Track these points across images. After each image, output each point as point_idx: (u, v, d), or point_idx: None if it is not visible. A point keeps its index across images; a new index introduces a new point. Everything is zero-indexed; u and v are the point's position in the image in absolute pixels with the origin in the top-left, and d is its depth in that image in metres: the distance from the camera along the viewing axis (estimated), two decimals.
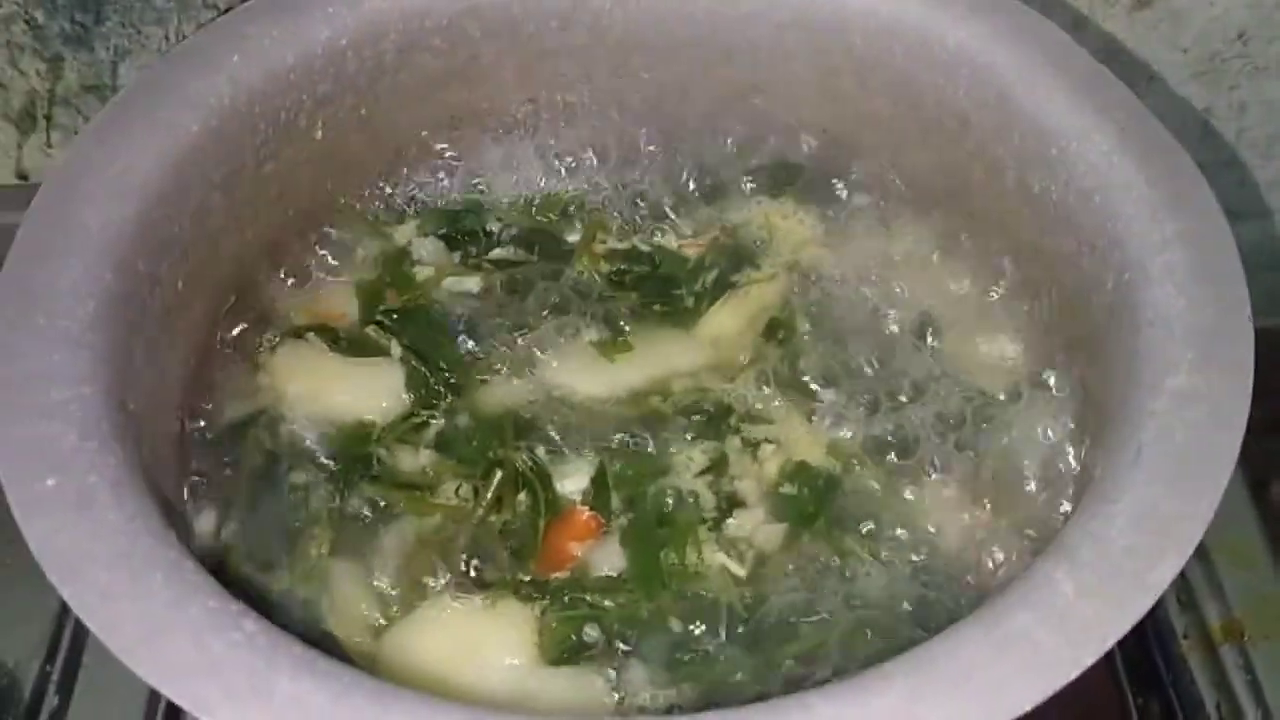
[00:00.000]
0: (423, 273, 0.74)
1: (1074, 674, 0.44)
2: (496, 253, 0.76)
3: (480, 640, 0.60)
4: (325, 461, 0.66)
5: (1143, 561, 0.48)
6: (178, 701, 0.45)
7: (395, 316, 0.72)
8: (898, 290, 0.72)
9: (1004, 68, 0.67)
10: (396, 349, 0.70)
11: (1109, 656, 0.45)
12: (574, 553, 0.63)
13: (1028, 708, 0.43)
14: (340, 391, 0.69)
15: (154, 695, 0.74)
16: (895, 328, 0.71)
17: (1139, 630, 0.47)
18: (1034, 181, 0.66)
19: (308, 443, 0.67)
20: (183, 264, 0.64)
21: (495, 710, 0.45)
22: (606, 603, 0.61)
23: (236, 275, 0.70)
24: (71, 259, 0.58)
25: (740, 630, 0.60)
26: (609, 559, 0.63)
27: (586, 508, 0.65)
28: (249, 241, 0.70)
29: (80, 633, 0.76)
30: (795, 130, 0.77)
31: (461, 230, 0.76)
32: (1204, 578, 0.75)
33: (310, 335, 0.71)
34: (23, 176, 1.04)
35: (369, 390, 0.68)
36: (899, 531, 0.63)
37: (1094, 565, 0.48)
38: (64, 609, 0.76)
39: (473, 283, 0.74)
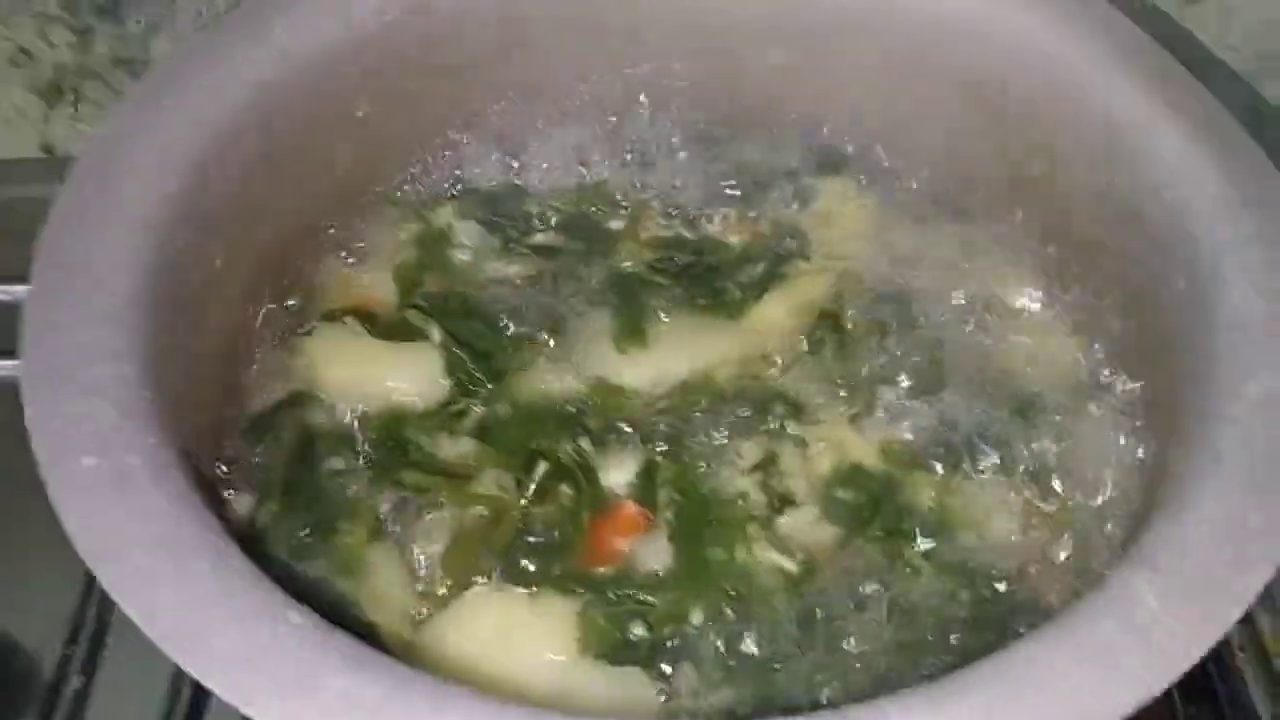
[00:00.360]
0: (462, 256, 0.72)
1: (1159, 688, 0.43)
2: (538, 238, 0.74)
3: (521, 633, 0.58)
4: (363, 447, 0.64)
5: (1228, 571, 0.46)
6: (221, 695, 0.43)
7: (434, 301, 0.70)
8: (953, 285, 0.70)
9: (1071, 58, 0.66)
10: (436, 334, 0.68)
11: None
12: (620, 547, 0.61)
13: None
14: (378, 376, 0.67)
15: (177, 678, 0.72)
16: (950, 323, 0.69)
17: None
18: (1100, 175, 0.64)
19: (344, 427, 0.65)
20: (221, 240, 0.63)
21: (554, 711, 0.43)
22: (653, 600, 0.59)
23: (275, 254, 0.68)
24: (112, 231, 0.56)
25: (791, 631, 0.58)
26: (656, 555, 0.61)
27: (633, 501, 0.63)
28: (288, 220, 0.68)
29: (104, 614, 0.75)
30: (849, 117, 0.75)
31: (502, 213, 0.74)
32: None
33: (348, 319, 0.69)
34: (48, 149, 1.02)
35: (407, 375, 0.67)
36: (954, 535, 0.61)
37: (1177, 574, 0.46)
38: (87, 590, 0.75)
39: (514, 269, 0.72)
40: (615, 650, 0.58)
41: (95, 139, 0.60)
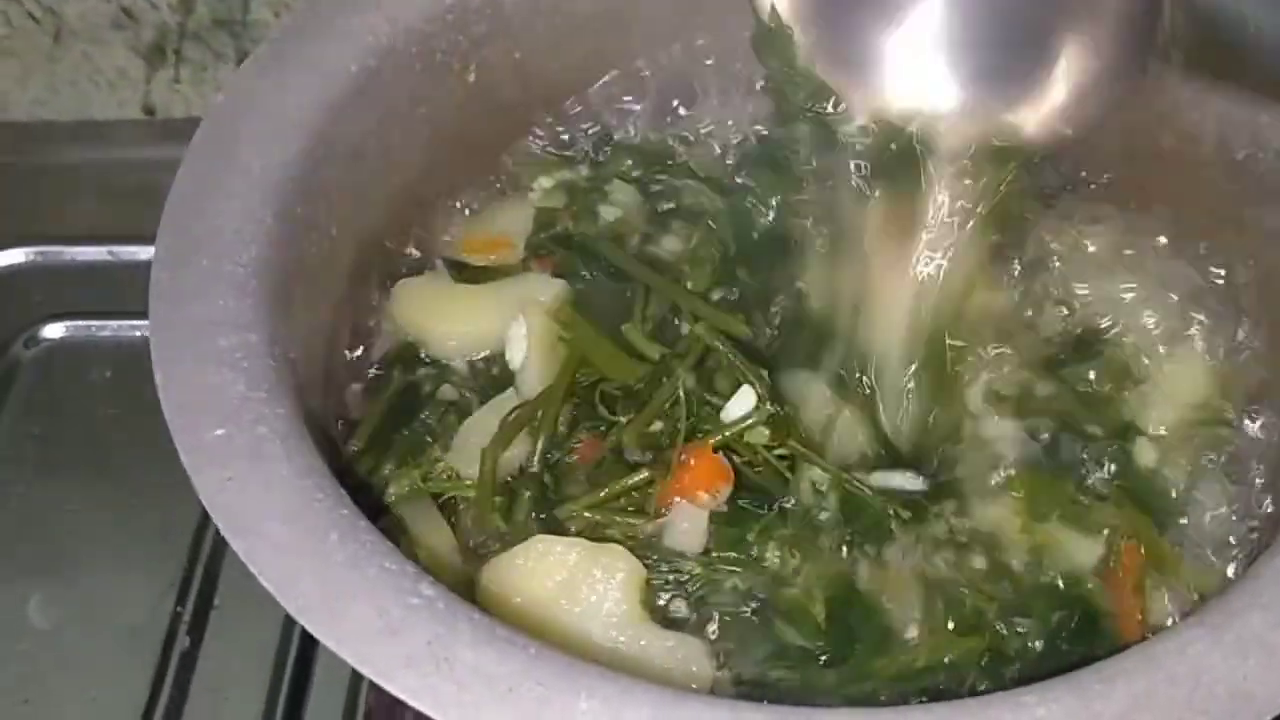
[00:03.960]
0: (610, 213, 0.70)
1: None
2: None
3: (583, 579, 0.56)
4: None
5: None
6: (358, 668, 0.43)
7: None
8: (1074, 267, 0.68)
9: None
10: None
11: None
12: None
13: (1266, 717, 0.40)
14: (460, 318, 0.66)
15: (284, 639, 0.73)
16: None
17: None
18: (1237, 149, 0.62)
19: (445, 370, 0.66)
20: (337, 209, 0.63)
21: (687, 696, 0.43)
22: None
23: (386, 221, 0.68)
24: (234, 201, 0.56)
25: None
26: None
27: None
28: (398, 187, 0.68)
29: (211, 575, 0.76)
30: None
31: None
32: None
33: (439, 261, 0.69)
34: (149, 111, 1.03)
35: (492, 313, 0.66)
36: None
37: None
38: (195, 550, 0.77)
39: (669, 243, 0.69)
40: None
41: (214, 108, 0.60)
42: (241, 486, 0.47)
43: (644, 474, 0.59)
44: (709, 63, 0.75)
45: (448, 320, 0.66)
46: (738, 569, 0.58)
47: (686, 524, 0.58)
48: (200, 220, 0.55)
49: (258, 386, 0.51)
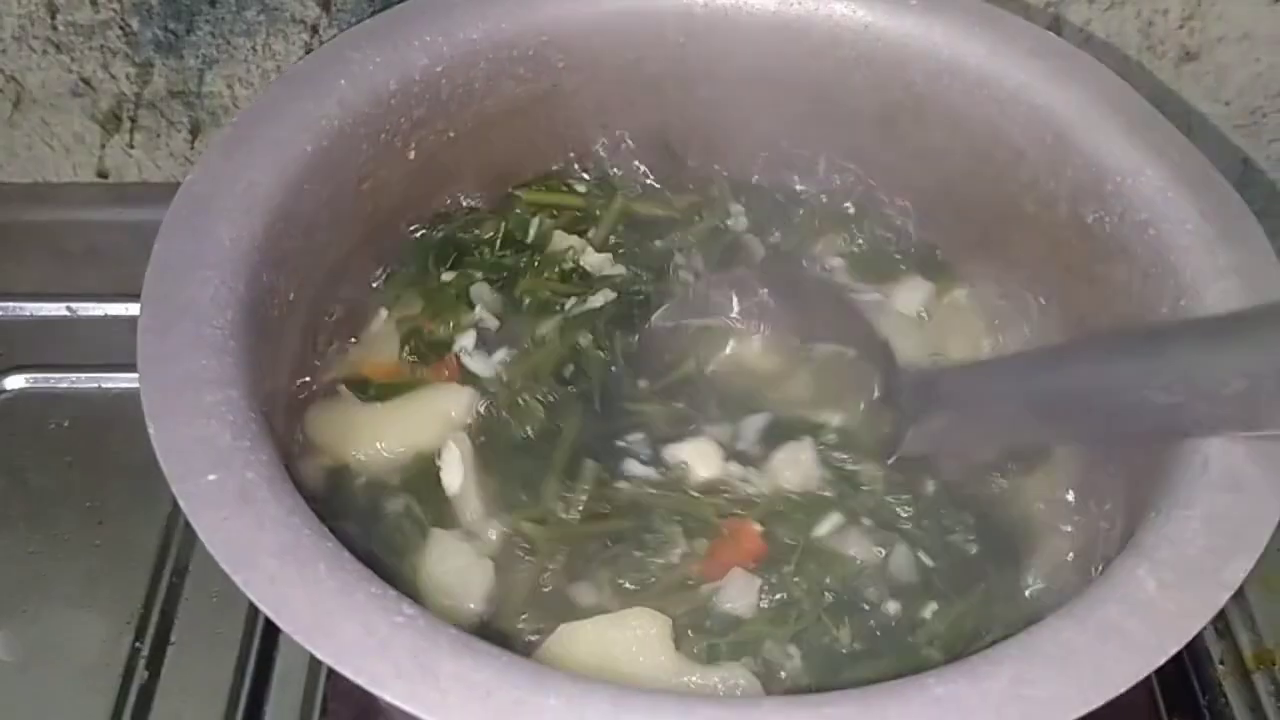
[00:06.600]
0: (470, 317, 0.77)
1: (1161, 660, 0.50)
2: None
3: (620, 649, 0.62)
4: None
5: (1217, 561, 0.53)
6: (353, 678, 0.48)
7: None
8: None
9: (1061, 107, 0.72)
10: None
11: (1147, 679, 0.50)
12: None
13: (1123, 688, 0.48)
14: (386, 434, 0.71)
15: (238, 675, 0.78)
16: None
17: (1177, 655, 0.51)
18: (1087, 213, 0.71)
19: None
20: (294, 276, 0.68)
21: (643, 691, 0.50)
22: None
23: (332, 286, 0.74)
24: (210, 270, 0.62)
25: None
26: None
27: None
28: (344, 255, 0.74)
29: (167, 613, 0.81)
30: (851, 159, 0.82)
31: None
32: (1237, 609, 0.81)
33: (340, 389, 0.74)
34: (102, 174, 1.07)
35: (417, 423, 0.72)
36: None
37: (1173, 564, 0.53)
38: (152, 587, 0.81)
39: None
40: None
41: (185, 185, 0.65)
42: (236, 526, 0.53)
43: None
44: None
45: (366, 443, 0.71)
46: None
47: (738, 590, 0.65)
48: (180, 288, 0.60)
49: (241, 436, 0.56)
